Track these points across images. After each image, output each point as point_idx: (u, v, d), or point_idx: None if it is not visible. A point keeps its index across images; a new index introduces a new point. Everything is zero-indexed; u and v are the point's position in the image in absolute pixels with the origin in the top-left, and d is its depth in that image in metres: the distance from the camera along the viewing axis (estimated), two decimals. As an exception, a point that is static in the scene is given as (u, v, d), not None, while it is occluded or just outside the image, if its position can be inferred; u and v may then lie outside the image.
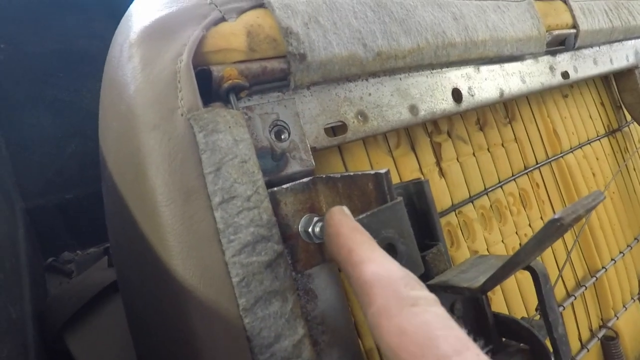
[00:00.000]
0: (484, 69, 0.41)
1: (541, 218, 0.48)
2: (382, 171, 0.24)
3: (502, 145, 0.47)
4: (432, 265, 0.28)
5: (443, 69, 0.38)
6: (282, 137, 0.29)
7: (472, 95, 0.39)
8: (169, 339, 0.26)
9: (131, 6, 0.28)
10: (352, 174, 0.26)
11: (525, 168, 0.48)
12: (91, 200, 0.86)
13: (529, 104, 0.51)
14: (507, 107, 0.49)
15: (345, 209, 0.23)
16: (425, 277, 0.28)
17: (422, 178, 0.40)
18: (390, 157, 0.39)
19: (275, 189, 0.27)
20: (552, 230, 0.19)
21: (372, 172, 0.24)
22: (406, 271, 0.18)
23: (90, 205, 0.86)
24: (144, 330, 0.32)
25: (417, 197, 0.31)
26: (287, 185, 0.27)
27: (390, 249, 0.23)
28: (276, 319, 0.24)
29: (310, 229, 0.27)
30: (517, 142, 0.48)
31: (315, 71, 0.29)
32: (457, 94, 0.38)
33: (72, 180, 0.86)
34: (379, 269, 0.18)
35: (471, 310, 0.29)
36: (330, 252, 0.21)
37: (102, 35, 0.88)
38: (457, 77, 0.39)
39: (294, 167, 0.29)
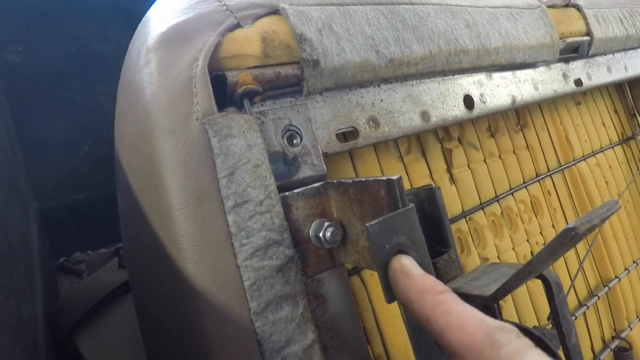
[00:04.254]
0: (496, 75, 0.41)
1: (553, 226, 0.47)
2: (394, 177, 0.24)
3: (514, 152, 0.47)
4: (443, 272, 0.28)
5: (455, 76, 0.38)
6: (295, 142, 0.29)
7: (484, 102, 0.39)
8: (180, 341, 0.26)
9: (148, 12, 0.29)
10: (363, 179, 0.26)
11: (537, 175, 0.48)
12: (102, 202, 0.87)
13: (541, 111, 0.50)
14: (519, 114, 0.48)
15: (406, 259, 0.22)
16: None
17: (433, 184, 0.40)
18: (401, 163, 0.39)
19: (287, 193, 0.27)
20: (566, 240, 0.19)
21: (384, 178, 0.24)
22: (485, 317, 0.18)
23: (101, 206, 0.87)
24: (155, 332, 0.32)
25: (428, 204, 0.31)
26: (299, 190, 0.28)
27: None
28: (287, 324, 0.25)
29: (321, 234, 0.27)
30: (528, 149, 0.48)
31: (328, 77, 0.30)
32: (468, 101, 0.38)
33: (84, 182, 0.87)
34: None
35: (482, 318, 0.29)
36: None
37: (116, 38, 0.90)
38: (469, 83, 0.39)
39: (305, 172, 0.29)
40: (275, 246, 0.25)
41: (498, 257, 0.42)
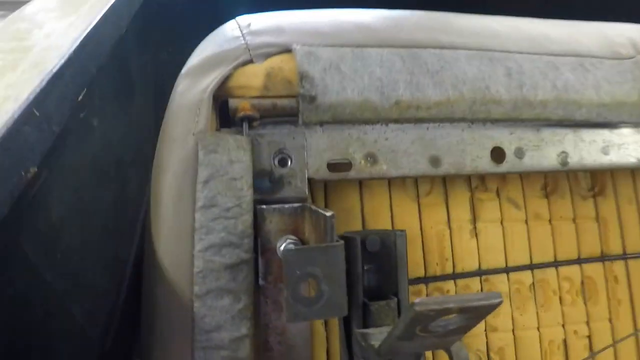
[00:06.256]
0: (548, 131, 0.36)
1: (610, 320, 0.39)
2: (328, 214, 0.26)
3: (574, 220, 0.40)
4: (375, 316, 0.28)
5: (486, 125, 0.36)
6: (284, 164, 0.33)
7: (520, 158, 0.35)
8: (145, 313, 0.34)
9: (199, 44, 0.37)
10: (318, 210, 0.28)
11: (603, 255, 0.40)
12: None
13: (633, 179, 0.41)
14: (597, 177, 0.41)
15: None
16: (364, 324, 0.28)
17: (449, 230, 0.38)
18: (416, 203, 0.38)
19: (264, 206, 0.31)
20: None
21: (326, 213, 0.27)
22: None
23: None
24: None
25: (394, 247, 0.31)
26: (276, 206, 0.32)
27: (312, 285, 0.26)
28: (222, 313, 0.29)
29: (282, 248, 0.31)
30: (598, 222, 0.40)
31: (324, 112, 0.33)
32: (498, 153, 0.35)
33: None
34: None
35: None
36: None
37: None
38: (504, 135, 0.36)
39: (287, 192, 0.33)
40: (230, 247, 0.30)
41: (513, 331, 0.38)
